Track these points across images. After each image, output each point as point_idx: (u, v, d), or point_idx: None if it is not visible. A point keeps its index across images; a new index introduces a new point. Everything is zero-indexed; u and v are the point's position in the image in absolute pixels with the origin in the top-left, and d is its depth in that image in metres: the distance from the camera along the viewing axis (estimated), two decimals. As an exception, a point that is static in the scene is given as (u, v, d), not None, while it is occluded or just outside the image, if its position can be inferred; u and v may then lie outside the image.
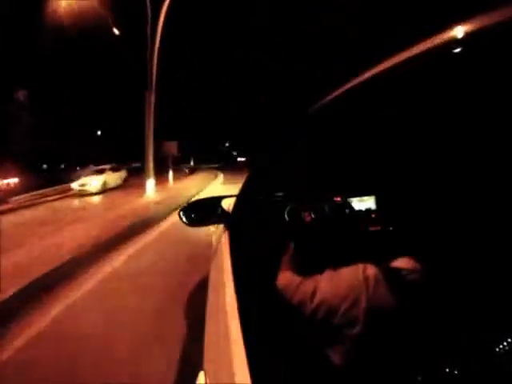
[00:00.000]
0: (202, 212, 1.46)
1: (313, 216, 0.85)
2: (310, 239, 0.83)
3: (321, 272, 0.65)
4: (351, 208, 0.85)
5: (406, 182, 0.83)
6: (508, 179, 0.54)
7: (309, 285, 0.64)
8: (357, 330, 0.52)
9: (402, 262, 0.58)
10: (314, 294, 0.61)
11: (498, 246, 0.53)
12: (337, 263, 0.64)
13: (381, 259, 0.60)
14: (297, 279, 0.69)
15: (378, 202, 0.93)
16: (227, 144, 57.67)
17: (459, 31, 0.46)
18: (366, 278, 0.55)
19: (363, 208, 0.93)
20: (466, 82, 0.56)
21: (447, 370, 0.44)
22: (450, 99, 0.63)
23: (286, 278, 0.74)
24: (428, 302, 0.52)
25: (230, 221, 1.35)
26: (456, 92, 0.60)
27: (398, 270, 0.55)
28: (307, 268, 0.71)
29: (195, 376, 0.72)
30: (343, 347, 0.54)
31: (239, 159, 37.67)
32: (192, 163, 31.56)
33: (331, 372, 0.54)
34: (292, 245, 0.86)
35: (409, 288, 0.52)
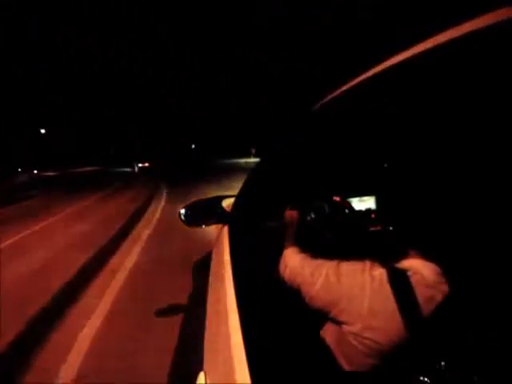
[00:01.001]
0: (202, 212, 1.46)
1: (313, 216, 0.85)
2: (310, 239, 0.83)
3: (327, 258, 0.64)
4: (351, 208, 0.85)
5: (407, 182, 0.83)
6: (508, 179, 0.54)
7: (313, 269, 0.63)
8: (357, 328, 0.52)
9: (408, 263, 0.57)
10: (316, 280, 0.60)
11: (499, 244, 0.53)
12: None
13: (381, 259, 0.59)
14: (302, 260, 0.69)
15: (378, 202, 0.93)
16: (193, 146, 56.82)
17: (459, 31, 0.46)
18: (372, 277, 0.54)
19: (363, 208, 0.93)
20: (466, 82, 0.56)
21: (451, 370, 0.44)
22: (450, 99, 0.63)
23: (291, 255, 0.73)
24: (433, 302, 0.51)
25: (230, 220, 1.35)
26: (456, 92, 0.60)
27: (404, 271, 0.54)
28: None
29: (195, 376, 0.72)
30: (343, 345, 0.54)
31: (140, 165, 29.81)
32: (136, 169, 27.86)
33: (332, 371, 0.54)
34: (296, 214, 0.85)
35: (413, 289, 0.52)
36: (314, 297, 0.60)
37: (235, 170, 18.78)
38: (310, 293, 0.60)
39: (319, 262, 0.65)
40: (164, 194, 9.14)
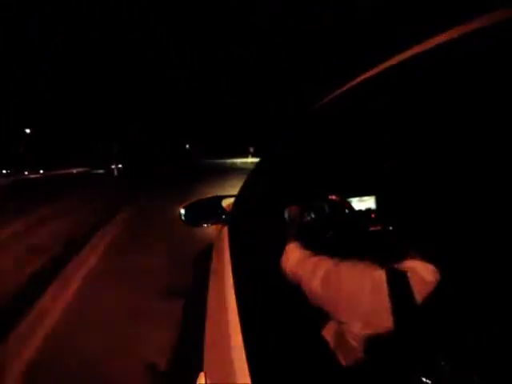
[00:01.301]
0: (202, 211, 1.47)
1: (313, 216, 0.85)
2: (310, 239, 0.83)
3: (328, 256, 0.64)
4: (351, 208, 0.85)
5: (407, 182, 0.83)
6: (508, 179, 0.54)
7: (314, 265, 0.63)
8: (356, 328, 0.52)
9: (407, 264, 0.57)
10: (317, 276, 0.60)
11: (500, 244, 0.53)
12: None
13: (381, 259, 0.59)
14: (304, 255, 0.68)
15: (378, 202, 0.93)
16: (187, 146, 55.21)
17: (459, 31, 0.46)
18: (372, 278, 0.54)
19: (363, 208, 0.93)
20: (465, 83, 0.56)
21: (452, 370, 0.44)
22: (450, 99, 0.63)
23: (293, 250, 0.73)
24: (432, 302, 0.52)
25: (230, 220, 1.35)
26: (456, 92, 0.60)
27: (403, 272, 0.55)
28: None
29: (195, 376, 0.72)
30: (343, 345, 0.54)
31: (113, 166, 21.40)
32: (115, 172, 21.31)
33: (333, 371, 0.54)
34: (298, 210, 0.86)
35: (412, 290, 0.52)
36: (314, 293, 0.60)
37: (229, 172, 16.89)
38: (311, 288, 0.61)
39: (320, 258, 0.65)
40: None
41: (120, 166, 23.13)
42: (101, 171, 25.51)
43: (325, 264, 0.62)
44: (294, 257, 0.71)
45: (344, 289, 0.56)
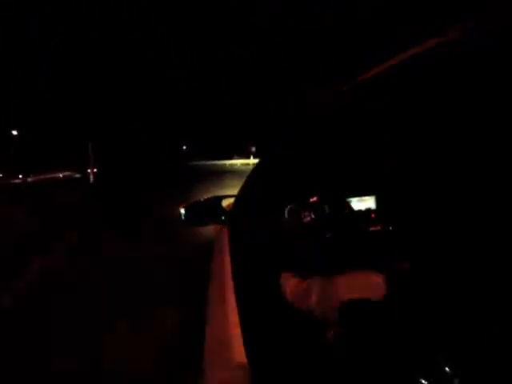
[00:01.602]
0: (202, 211, 1.47)
1: (313, 216, 0.85)
2: (309, 239, 0.83)
3: (323, 274, 0.65)
4: (351, 208, 0.85)
5: (407, 182, 0.83)
6: (508, 179, 0.54)
7: (307, 287, 0.64)
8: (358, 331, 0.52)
9: (406, 265, 0.58)
10: (313, 297, 0.60)
11: (500, 243, 0.53)
12: (337, 263, 0.64)
13: (381, 260, 0.59)
14: (297, 282, 0.69)
15: (378, 202, 0.93)
16: (184, 147, 52.23)
17: (458, 32, 0.46)
18: (370, 283, 0.55)
19: (363, 208, 0.93)
20: (465, 83, 0.56)
21: (452, 372, 0.44)
22: (449, 99, 0.63)
23: (287, 280, 0.73)
24: (429, 301, 0.52)
25: (230, 220, 1.35)
26: (456, 92, 0.60)
27: (403, 273, 0.55)
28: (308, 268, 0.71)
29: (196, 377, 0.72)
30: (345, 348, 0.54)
31: (88, 171, 19.50)
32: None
33: (333, 373, 0.54)
34: (298, 210, 0.86)
35: (412, 291, 0.52)
36: (313, 310, 0.60)
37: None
38: (308, 307, 0.60)
39: (313, 280, 0.65)
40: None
41: (95, 170, 20.47)
42: (78, 175, 23.65)
43: (318, 284, 0.62)
44: (288, 285, 0.71)
45: (342, 299, 0.56)
